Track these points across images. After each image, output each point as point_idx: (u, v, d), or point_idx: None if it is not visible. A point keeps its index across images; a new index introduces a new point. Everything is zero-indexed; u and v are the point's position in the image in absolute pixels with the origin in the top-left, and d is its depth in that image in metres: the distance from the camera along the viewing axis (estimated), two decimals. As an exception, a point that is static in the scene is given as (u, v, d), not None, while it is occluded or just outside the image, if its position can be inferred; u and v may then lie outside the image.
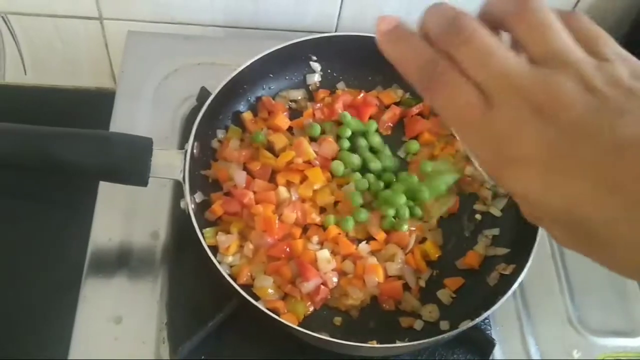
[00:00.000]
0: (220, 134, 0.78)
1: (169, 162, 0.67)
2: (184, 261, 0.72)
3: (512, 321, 0.74)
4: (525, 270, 0.66)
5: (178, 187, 0.77)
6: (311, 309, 0.68)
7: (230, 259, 0.69)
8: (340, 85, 0.85)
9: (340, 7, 0.96)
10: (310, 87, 0.85)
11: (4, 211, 0.94)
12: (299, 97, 0.84)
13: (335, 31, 0.99)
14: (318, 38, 0.81)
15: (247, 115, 0.80)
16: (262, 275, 0.68)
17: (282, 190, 0.73)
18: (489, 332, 0.70)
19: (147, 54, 0.89)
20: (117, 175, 0.65)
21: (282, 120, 0.79)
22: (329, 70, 0.85)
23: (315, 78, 0.85)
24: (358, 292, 0.69)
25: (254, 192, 0.73)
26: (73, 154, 0.62)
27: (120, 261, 0.72)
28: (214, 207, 0.71)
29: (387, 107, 0.84)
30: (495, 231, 0.75)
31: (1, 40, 0.99)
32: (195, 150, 0.71)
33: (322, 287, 0.68)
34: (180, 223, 0.75)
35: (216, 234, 0.70)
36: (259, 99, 0.82)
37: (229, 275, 0.66)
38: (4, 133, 0.61)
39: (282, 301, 0.67)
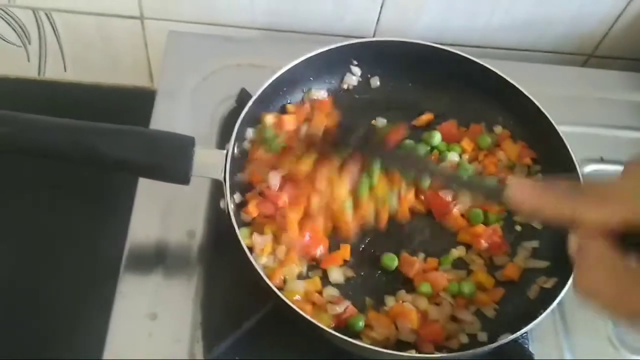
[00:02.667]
0: (250, 133, 0.76)
1: (211, 162, 0.67)
2: (220, 261, 0.72)
3: (550, 336, 0.72)
4: (569, 284, 0.65)
5: (214, 186, 0.77)
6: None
7: (264, 259, 0.69)
8: (380, 91, 0.85)
9: (380, 12, 0.96)
10: (346, 87, 0.84)
11: (44, 203, 0.95)
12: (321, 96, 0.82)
13: (374, 36, 0.99)
14: (361, 42, 0.81)
15: (268, 119, 0.77)
16: (294, 280, 0.68)
17: (314, 201, 0.71)
18: (526, 345, 0.69)
19: (187, 55, 0.90)
20: (160, 172, 0.65)
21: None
22: (369, 76, 0.85)
23: (353, 81, 0.84)
24: (383, 329, 0.67)
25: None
26: (118, 150, 0.62)
27: (157, 258, 0.72)
28: (249, 207, 0.71)
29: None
30: (535, 243, 0.74)
31: (44, 36, 1.00)
32: (235, 151, 0.71)
33: (350, 306, 0.68)
34: (216, 222, 0.75)
35: (251, 235, 0.70)
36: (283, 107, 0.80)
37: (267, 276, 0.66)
38: (53, 127, 0.61)
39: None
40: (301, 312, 0.62)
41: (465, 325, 0.68)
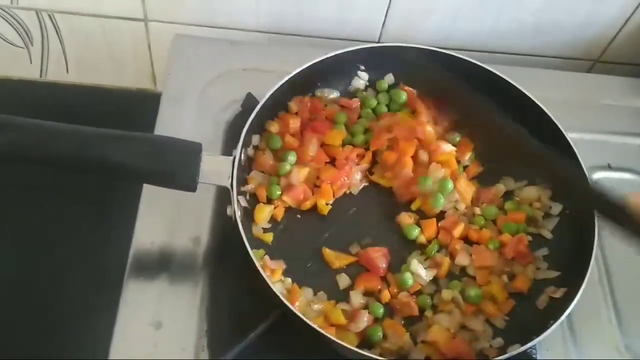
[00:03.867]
0: (255, 140, 0.76)
1: (218, 168, 0.66)
2: (226, 268, 0.72)
3: (558, 346, 0.72)
4: (579, 295, 0.64)
5: (221, 192, 0.77)
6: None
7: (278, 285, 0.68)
8: (385, 95, 0.84)
9: (385, 16, 0.95)
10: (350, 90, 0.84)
11: (48, 209, 0.95)
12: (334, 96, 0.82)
13: (379, 40, 0.98)
14: (368, 47, 0.81)
15: (274, 127, 0.77)
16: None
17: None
18: (535, 355, 0.68)
19: (192, 58, 0.89)
20: (166, 179, 0.64)
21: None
22: (376, 81, 0.84)
23: (360, 85, 0.83)
24: (398, 339, 0.66)
25: None
26: (124, 157, 0.61)
27: (162, 265, 0.71)
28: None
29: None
30: (544, 251, 0.73)
31: (46, 38, 0.99)
32: (242, 157, 0.70)
33: (368, 315, 0.67)
34: (222, 229, 0.74)
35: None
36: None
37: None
38: (58, 133, 0.60)
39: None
40: (311, 324, 0.61)
41: (477, 335, 0.67)
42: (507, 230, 0.73)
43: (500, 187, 0.78)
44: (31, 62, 1.04)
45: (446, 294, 0.69)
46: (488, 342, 0.67)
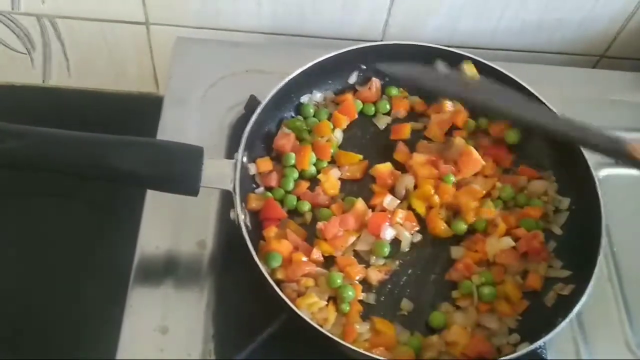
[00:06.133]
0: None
1: (220, 172, 0.66)
2: (231, 271, 0.71)
3: (568, 344, 0.71)
4: (588, 292, 0.63)
5: (225, 195, 0.76)
6: None
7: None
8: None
9: (388, 16, 0.94)
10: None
11: (54, 214, 0.94)
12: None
13: (382, 39, 0.98)
14: (369, 46, 0.80)
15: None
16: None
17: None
18: (544, 355, 0.67)
19: (194, 61, 0.89)
20: (168, 184, 0.64)
21: None
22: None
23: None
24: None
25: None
26: (125, 163, 0.61)
27: (167, 270, 0.71)
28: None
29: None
30: (552, 244, 0.73)
31: (48, 43, 0.99)
32: (245, 159, 0.70)
33: None
34: (227, 232, 0.74)
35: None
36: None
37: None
38: (56, 140, 0.60)
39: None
40: (317, 327, 0.61)
41: (493, 332, 0.67)
42: (524, 225, 0.73)
43: (522, 178, 0.77)
44: (33, 68, 1.04)
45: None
46: (505, 338, 0.67)
